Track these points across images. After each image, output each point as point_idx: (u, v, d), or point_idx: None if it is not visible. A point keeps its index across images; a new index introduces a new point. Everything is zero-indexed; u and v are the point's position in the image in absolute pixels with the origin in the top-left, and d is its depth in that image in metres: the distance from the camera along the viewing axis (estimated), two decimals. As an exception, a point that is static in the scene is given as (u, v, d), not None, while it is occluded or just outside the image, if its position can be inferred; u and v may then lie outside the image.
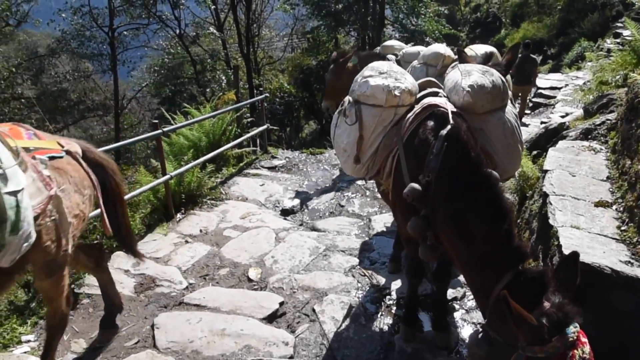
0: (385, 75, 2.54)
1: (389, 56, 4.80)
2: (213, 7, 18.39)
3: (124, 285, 3.59)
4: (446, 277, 2.85)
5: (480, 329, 1.83)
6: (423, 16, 18.10)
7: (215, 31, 18.71)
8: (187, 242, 4.28)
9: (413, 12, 18.58)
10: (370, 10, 19.17)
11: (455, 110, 2.35)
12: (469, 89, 2.39)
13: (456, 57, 3.77)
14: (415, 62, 4.15)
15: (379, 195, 5.48)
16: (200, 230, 4.55)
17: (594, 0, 17.26)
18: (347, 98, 2.69)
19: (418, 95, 2.58)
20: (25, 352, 2.93)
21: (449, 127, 2.15)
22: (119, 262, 3.90)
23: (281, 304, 3.37)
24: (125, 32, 18.89)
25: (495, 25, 24.08)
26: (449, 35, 19.26)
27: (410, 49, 4.84)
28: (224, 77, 18.28)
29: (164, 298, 3.45)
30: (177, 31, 18.22)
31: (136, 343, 3.00)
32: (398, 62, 4.46)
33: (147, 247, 4.13)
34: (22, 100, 15.22)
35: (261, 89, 18.71)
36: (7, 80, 14.82)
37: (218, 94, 18.25)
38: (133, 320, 3.23)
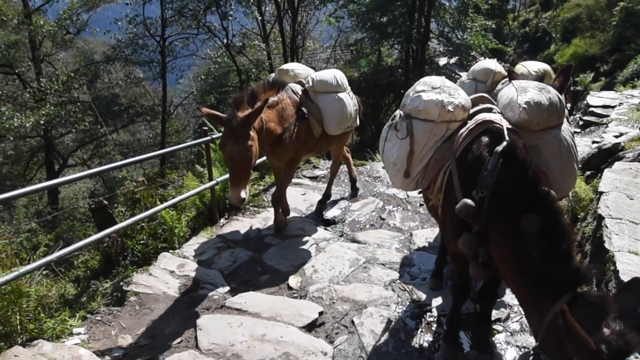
0: (438, 90, 2.53)
1: (293, 85, 4.36)
2: (260, 18, 18.84)
3: (169, 286, 3.71)
4: (492, 297, 2.78)
5: (532, 352, 1.77)
6: (469, 30, 17.82)
7: (260, 42, 19.13)
8: (229, 247, 4.37)
9: (459, 26, 18.36)
10: (415, 23, 19.12)
11: (510, 127, 2.31)
12: (525, 106, 2.35)
13: (506, 73, 3.71)
14: (464, 78, 4.11)
15: (420, 210, 5.41)
16: (243, 236, 4.63)
17: (653, 16, 16.54)
18: (398, 112, 2.69)
19: (471, 111, 2.55)
20: (76, 344, 3.06)
21: (504, 143, 2.11)
22: (165, 263, 4.03)
23: (320, 313, 3.38)
24: (175, 42, 19.69)
25: (544, 41, 23.44)
26: (496, 50, 18.90)
27: (322, 75, 4.48)
28: (267, 87, 18.65)
29: (206, 300, 3.53)
30: (225, 41, 18.78)
31: (179, 342, 3.08)
32: (305, 92, 4.36)
33: (191, 250, 4.25)
34: (78, 103, 16.03)
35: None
36: (65, 84, 15.71)
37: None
38: (177, 320, 3.32)
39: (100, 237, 3.81)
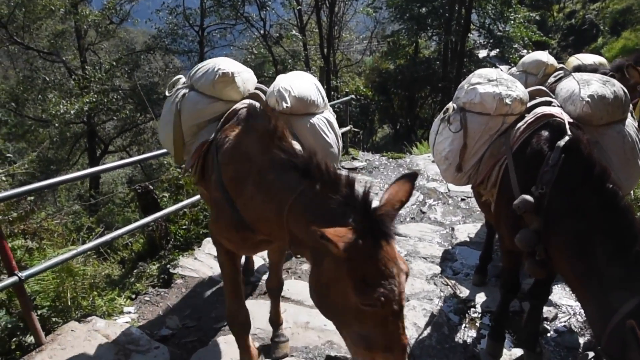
0: (495, 82, 2.46)
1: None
2: (298, 8, 18.84)
3: (214, 270, 3.79)
4: (544, 295, 2.71)
5: (593, 354, 1.73)
6: (512, 21, 17.26)
7: (297, 33, 19.13)
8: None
9: (501, 17, 17.82)
10: (455, 14, 18.68)
11: (571, 121, 2.23)
12: (589, 99, 2.26)
13: (558, 66, 3.57)
14: (513, 70, 3.97)
15: (462, 204, 5.32)
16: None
17: None
18: (451, 105, 2.64)
19: (529, 104, 2.48)
20: (126, 322, 3.18)
21: (566, 138, 2.04)
22: (209, 248, 4.12)
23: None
24: (214, 32, 19.95)
25: (591, 34, 22.48)
26: (539, 42, 18.26)
27: (298, 87, 2.43)
28: (302, 78, 18.68)
29: (250, 286, 3.59)
30: (262, 32, 18.88)
31: (225, 325, 3.15)
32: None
33: (234, 236, 4.33)
34: (120, 92, 16.49)
35: (332, 92, 18.85)
36: (108, 73, 16.20)
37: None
38: (222, 304, 3.38)
39: (148, 221, 3.93)
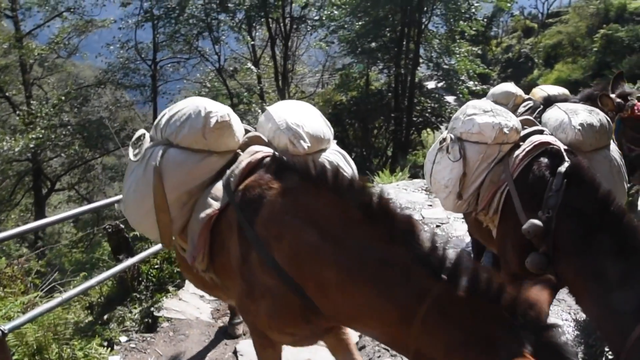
0: (491, 113, 2.58)
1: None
2: (252, 43, 19.09)
3: (201, 311, 3.63)
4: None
5: None
6: (457, 55, 18.33)
7: (252, 66, 19.32)
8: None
9: (447, 51, 18.86)
10: (404, 49, 19.59)
11: (566, 147, 2.38)
12: (580, 127, 2.43)
13: (527, 96, 3.81)
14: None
15: (437, 231, 5.44)
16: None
17: (631, 43, 17.29)
18: (448, 135, 2.73)
19: (522, 133, 2.61)
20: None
21: (566, 163, 2.17)
22: (193, 287, 3.93)
23: (360, 336, 3.33)
24: (167, 66, 19.76)
25: (527, 66, 24.24)
26: (482, 74, 19.45)
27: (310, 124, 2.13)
28: (259, 110, 18.78)
29: (242, 325, 3.45)
30: (217, 65, 18.90)
31: (221, 370, 3.01)
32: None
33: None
34: (69, 127, 15.83)
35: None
36: (55, 107, 15.54)
37: (253, 125, 18.77)
38: (214, 346, 3.24)
39: (125, 266, 3.71)
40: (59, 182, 17.41)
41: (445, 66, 19.03)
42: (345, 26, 19.54)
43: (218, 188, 1.85)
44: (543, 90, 4.11)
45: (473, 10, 17.55)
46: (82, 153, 16.87)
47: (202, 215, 1.79)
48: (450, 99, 22.77)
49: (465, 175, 2.57)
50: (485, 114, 2.59)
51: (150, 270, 4.82)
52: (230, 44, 20.09)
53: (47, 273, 5.32)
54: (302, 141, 1.96)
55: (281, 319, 1.64)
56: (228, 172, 1.86)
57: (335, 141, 2.38)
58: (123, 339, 3.71)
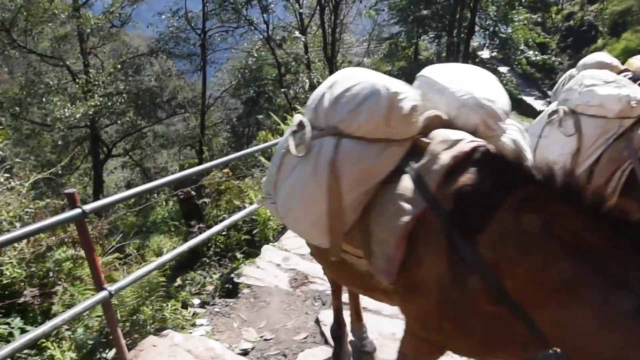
0: (614, 84, 2.39)
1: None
2: (300, 11, 18.79)
3: (279, 279, 3.69)
4: None
5: None
6: (515, 23, 17.38)
7: (300, 35, 19.07)
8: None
9: (504, 19, 17.91)
10: (457, 16, 18.73)
11: None
12: None
13: (623, 67, 3.53)
14: (573, 71, 3.92)
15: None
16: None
17: None
18: (561, 108, 2.56)
19: None
20: (202, 335, 3.06)
21: None
22: (269, 256, 4.01)
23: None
24: (215, 35, 19.80)
25: (590, 35, 22.73)
26: (542, 44, 18.43)
27: None
28: (307, 80, 18.63)
29: (321, 295, 3.49)
30: (265, 35, 18.77)
31: (305, 338, 3.05)
32: None
33: (291, 244, 4.22)
34: (124, 95, 16.30)
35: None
36: (111, 76, 15.99)
37: (300, 96, 18.69)
38: (296, 315, 3.29)
39: (210, 234, 3.74)
40: (114, 148, 18.08)
41: (502, 35, 18.11)
42: (397, -8, 18.88)
43: (406, 187, 1.48)
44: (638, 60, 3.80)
45: (536, -26, 16.44)
46: (135, 121, 17.40)
47: (399, 222, 1.43)
48: (503, 69, 21.77)
49: (579, 151, 2.41)
50: (607, 84, 2.40)
51: (218, 237, 4.94)
52: (278, 12, 19.85)
53: (109, 234, 5.57)
54: (499, 122, 1.62)
55: (496, 347, 1.44)
56: (416, 166, 1.50)
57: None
58: (196, 301, 3.85)
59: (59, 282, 3.26)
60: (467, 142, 1.49)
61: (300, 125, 1.64)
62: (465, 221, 1.34)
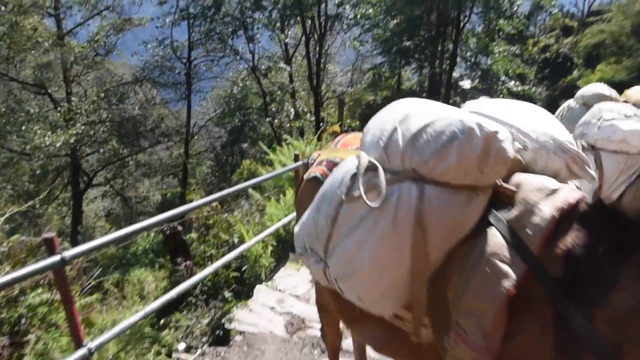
0: (636, 118, 2.29)
1: None
2: (285, 41, 19.05)
3: (274, 324, 3.47)
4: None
5: None
6: (496, 55, 17.84)
7: (285, 65, 19.25)
8: (323, 280, 4.11)
9: (485, 51, 18.37)
10: (439, 48, 19.14)
11: None
12: None
13: (622, 98, 3.49)
14: (571, 103, 3.85)
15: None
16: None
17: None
18: (579, 142, 2.46)
19: None
20: None
21: None
22: (262, 297, 3.79)
23: None
24: (201, 64, 19.86)
25: (565, 67, 23.47)
26: (521, 75, 18.91)
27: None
28: (292, 109, 18.68)
29: (320, 342, 3.28)
30: (251, 64, 18.86)
31: (303, 390, 2.84)
32: None
33: (285, 283, 4.01)
34: (107, 123, 16.05)
35: (321, 123, 19.00)
36: (94, 104, 15.76)
37: (285, 124, 18.70)
38: (293, 364, 3.08)
39: (201, 278, 3.54)
40: (95, 177, 17.68)
41: (482, 67, 18.55)
42: (380, 25, 19.24)
43: (499, 244, 1.20)
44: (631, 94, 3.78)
45: (515, 7, 17.00)
46: (117, 149, 17.11)
47: (500, 289, 1.14)
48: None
49: (600, 188, 2.30)
50: (628, 119, 2.31)
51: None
52: (263, 42, 20.06)
53: (88, 268, 5.28)
54: (586, 167, 1.39)
55: None
56: (506, 218, 1.23)
57: None
58: (181, 346, 3.60)
59: (32, 330, 3.01)
60: (569, 191, 1.22)
61: (370, 166, 1.30)
62: (577, 291, 1.09)
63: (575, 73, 22.23)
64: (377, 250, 1.27)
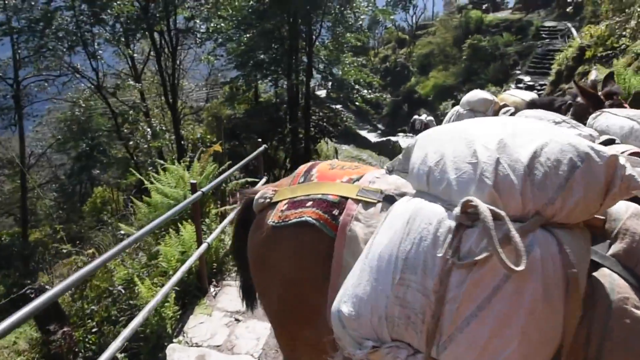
0: (565, 124, 2.11)
1: None
2: (132, 56, 17.75)
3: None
4: None
5: None
6: (347, 65, 19.08)
7: (134, 82, 17.91)
8: (238, 320, 3.78)
9: (335, 62, 19.49)
10: (293, 60, 19.71)
11: None
12: None
13: (502, 103, 3.77)
14: (459, 109, 4.00)
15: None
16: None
17: (493, 52, 19.65)
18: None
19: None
20: None
21: None
22: (178, 357, 3.30)
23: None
24: (32, 85, 17.37)
25: (404, 74, 26.19)
26: (371, 83, 20.51)
27: None
28: (148, 129, 17.37)
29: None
30: (95, 83, 17.07)
31: None
32: None
33: (199, 333, 3.58)
34: None
35: (182, 141, 18.22)
36: None
37: (142, 146, 17.33)
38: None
39: None
40: None
41: (337, 76, 19.65)
42: (234, 39, 19.08)
43: (622, 287, 1.04)
44: (514, 95, 4.08)
45: (360, 22, 18.39)
46: None
47: None
48: (338, 106, 23.59)
49: None
50: (557, 125, 2.18)
51: (88, 336, 4.08)
52: (107, 59, 18.32)
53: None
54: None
55: None
56: (613, 254, 1.08)
57: None
58: None
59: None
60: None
61: (495, 216, 0.97)
62: None
63: (413, 80, 24.93)
64: (526, 329, 0.96)
